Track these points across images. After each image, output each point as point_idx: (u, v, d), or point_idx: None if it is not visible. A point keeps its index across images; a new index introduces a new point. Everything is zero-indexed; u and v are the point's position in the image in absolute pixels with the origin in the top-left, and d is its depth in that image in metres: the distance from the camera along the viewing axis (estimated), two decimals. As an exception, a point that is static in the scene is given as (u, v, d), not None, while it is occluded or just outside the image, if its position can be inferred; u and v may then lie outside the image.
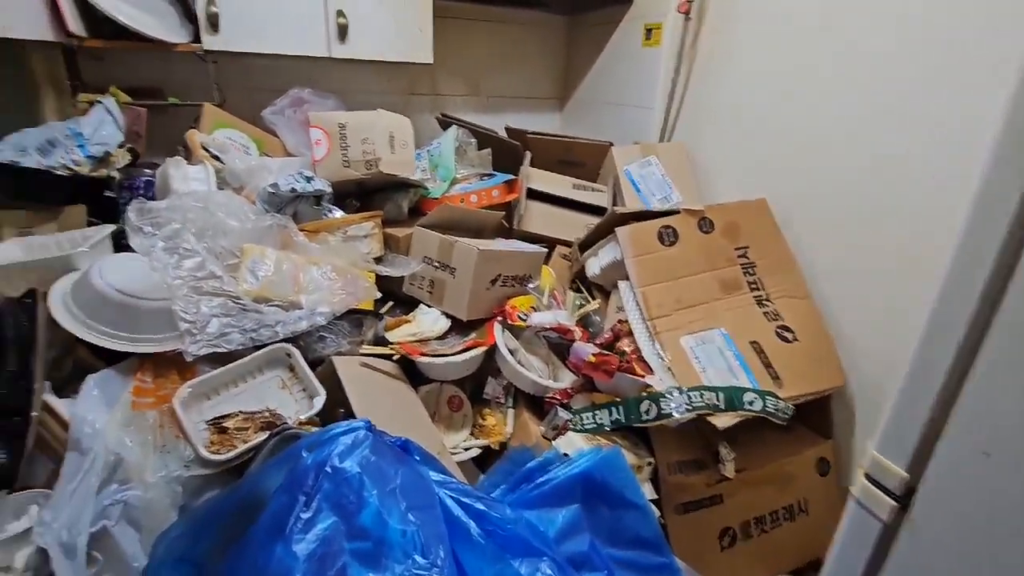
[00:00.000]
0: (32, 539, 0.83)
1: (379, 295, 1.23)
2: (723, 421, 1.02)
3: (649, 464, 1.10)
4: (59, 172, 1.22)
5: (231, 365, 1.08)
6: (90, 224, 1.26)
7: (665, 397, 1.03)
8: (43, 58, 1.59)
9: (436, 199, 1.56)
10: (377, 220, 1.35)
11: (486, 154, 1.77)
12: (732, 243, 1.30)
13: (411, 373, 1.28)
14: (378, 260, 1.30)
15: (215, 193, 1.17)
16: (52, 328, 0.99)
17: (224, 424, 1.03)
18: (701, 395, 1.04)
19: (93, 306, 1.00)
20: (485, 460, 1.26)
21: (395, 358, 1.23)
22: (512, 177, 1.70)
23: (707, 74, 1.65)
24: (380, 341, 1.27)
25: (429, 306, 1.36)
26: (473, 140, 1.85)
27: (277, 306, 1.04)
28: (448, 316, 1.34)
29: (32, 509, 0.90)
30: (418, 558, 0.74)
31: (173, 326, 1.03)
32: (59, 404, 0.96)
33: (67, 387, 1.04)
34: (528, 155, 1.71)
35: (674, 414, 1.01)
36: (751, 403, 1.04)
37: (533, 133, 1.91)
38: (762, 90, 1.48)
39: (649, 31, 1.81)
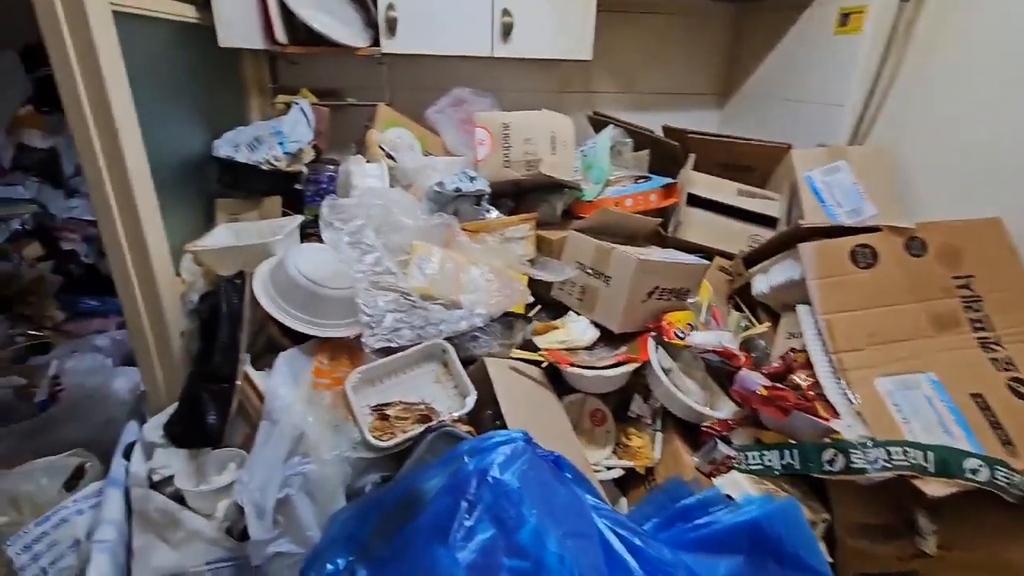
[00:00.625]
0: (231, 494, 0.94)
1: (532, 299, 1.22)
2: (935, 488, 0.85)
3: (824, 521, 0.96)
4: (263, 167, 1.38)
5: (394, 356, 1.14)
6: (283, 214, 1.41)
7: (856, 449, 0.89)
8: (252, 64, 1.82)
9: (590, 202, 1.52)
10: (533, 222, 1.34)
11: (643, 155, 1.69)
12: (950, 270, 1.09)
13: (552, 380, 1.26)
14: (530, 263, 1.29)
15: (391, 191, 1.24)
16: (253, 306, 1.12)
17: (386, 411, 1.09)
18: (904, 452, 0.88)
19: (286, 290, 1.10)
20: (625, 483, 1.20)
21: (543, 365, 1.22)
22: (670, 181, 1.60)
23: (924, 65, 1.40)
24: (527, 345, 1.26)
25: (578, 313, 1.32)
26: (629, 140, 1.77)
27: (440, 304, 1.07)
28: (598, 326, 1.29)
29: (231, 465, 1.03)
30: (574, 588, 0.71)
31: (350, 314, 1.11)
32: (255, 375, 1.08)
33: (258, 360, 1.18)
34: (692, 157, 1.59)
35: (868, 470, 0.87)
36: (974, 472, 0.86)
37: (694, 133, 1.78)
38: (1000, 85, 1.22)
39: (846, 16, 1.58)
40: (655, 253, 1.29)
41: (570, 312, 1.33)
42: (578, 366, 1.18)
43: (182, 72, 1.32)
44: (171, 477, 1.00)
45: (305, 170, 1.51)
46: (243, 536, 0.92)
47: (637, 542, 0.79)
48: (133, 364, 1.74)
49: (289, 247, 1.21)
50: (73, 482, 1.17)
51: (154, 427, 1.09)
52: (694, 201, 1.57)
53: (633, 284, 1.20)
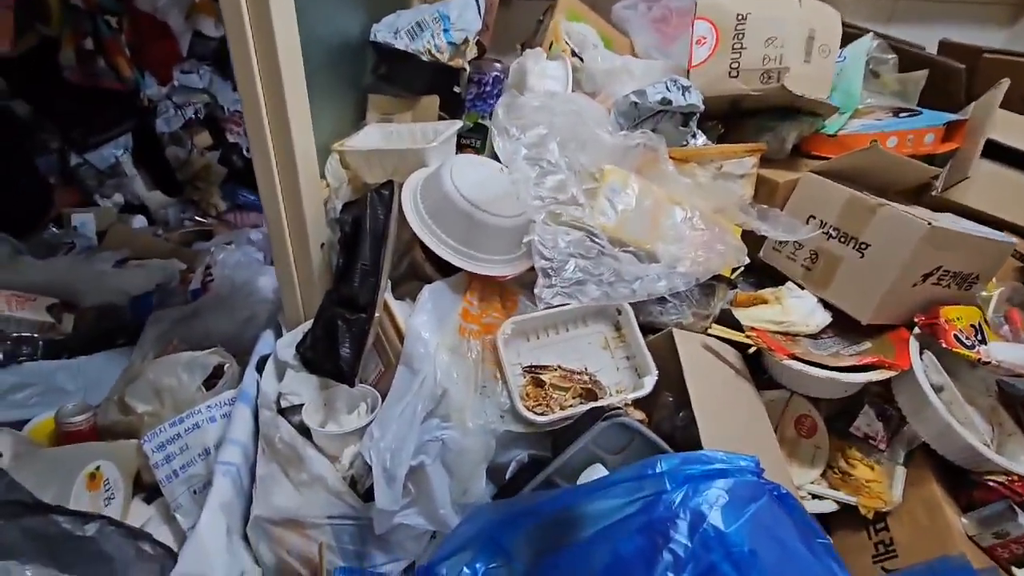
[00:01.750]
0: (360, 446, 0.80)
1: (748, 260, 0.90)
2: None
3: None
4: (423, 57, 1.16)
5: (556, 309, 0.90)
6: (439, 119, 1.19)
7: None
8: (419, -61, 1.56)
9: (832, 136, 1.11)
10: (758, 156, 0.99)
11: (916, 78, 1.21)
12: None
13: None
14: (751, 211, 0.95)
15: (579, 96, 0.95)
16: (401, 224, 0.93)
17: (541, 376, 0.87)
18: None
19: (439, 210, 0.90)
20: (830, 519, 0.90)
21: (751, 350, 0.91)
22: (955, 118, 1.12)
23: None
24: (725, 318, 0.96)
25: (801, 287, 0.98)
26: (890, 57, 1.29)
27: (630, 252, 0.80)
28: (829, 307, 0.95)
29: (362, 406, 0.89)
30: None
31: (512, 247, 0.89)
32: (396, 307, 0.91)
33: (398, 287, 1.02)
34: (1003, 85, 1.09)
35: None
36: None
37: (994, 52, 1.25)
38: None
39: None
40: (943, 219, 0.88)
41: (788, 283, 0.99)
42: (801, 360, 0.87)
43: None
44: (300, 406, 0.88)
45: (467, 67, 1.27)
46: (368, 495, 0.78)
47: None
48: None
49: (446, 157, 0.99)
50: (212, 381, 1.12)
51: (287, 345, 0.98)
52: (992, 151, 1.09)
53: (911, 259, 0.83)
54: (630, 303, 0.89)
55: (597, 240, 0.75)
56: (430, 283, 0.95)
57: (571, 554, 0.59)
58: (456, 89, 1.30)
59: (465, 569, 0.64)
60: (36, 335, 1.27)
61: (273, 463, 0.86)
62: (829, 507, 0.89)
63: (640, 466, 0.62)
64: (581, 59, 1.14)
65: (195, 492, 0.92)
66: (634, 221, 0.83)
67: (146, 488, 0.97)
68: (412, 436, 0.75)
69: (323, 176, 1.07)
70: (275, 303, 1.51)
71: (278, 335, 1.09)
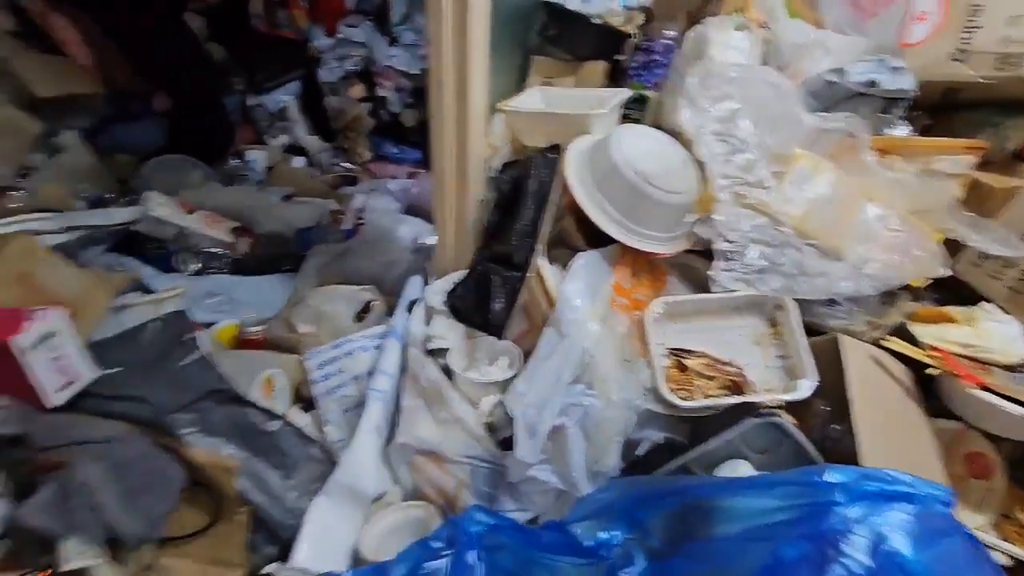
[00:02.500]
0: (504, 397, 0.84)
1: (948, 272, 0.80)
2: None
3: None
4: (594, 20, 1.13)
5: (711, 296, 0.87)
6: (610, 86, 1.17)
7: None
8: None
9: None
10: (977, 156, 0.86)
11: None
12: None
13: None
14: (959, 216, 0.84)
15: (770, 71, 0.88)
16: (560, 189, 0.94)
17: (685, 361, 0.85)
18: None
19: (604, 179, 0.89)
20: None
21: (929, 371, 0.82)
22: None
23: None
24: (901, 332, 0.87)
25: (1004, 310, 0.85)
26: None
27: (812, 246, 0.74)
28: (1037, 337, 0.82)
29: (503, 360, 0.93)
30: None
31: (675, 225, 0.86)
32: (547, 270, 0.92)
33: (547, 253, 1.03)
34: None
35: None
36: None
37: None
38: None
39: None
40: None
41: (985, 304, 0.87)
42: (995, 392, 0.76)
43: None
44: (445, 351, 0.94)
45: (636, 35, 1.22)
46: (505, 444, 0.82)
47: None
48: (414, 215, 1.84)
49: (610, 126, 0.97)
50: (362, 315, 1.23)
51: (437, 291, 1.04)
52: None
53: None
54: (795, 299, 0.84)
55: (782, 228, 0.70)
56: (576, 251, 0.96)
57: (719, 546, 0.59)
58: (618, 57, 1.27)
59: (601, 534, 0.66)
60: (222, 252, 1.45)
61: (418, 398, 0.93)
62: (1002, 562, 0.79)
63: (804, 472, 0.59)
64: (768, 30, 1.05)
65: (345, 411, 1.02)
66: (822, 213, 0.77)
67: (303, 400, 1.10)
68: (556, 397, 0.77)
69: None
70: (413, 251, 1.61)
71: (425, 281, 1.16)
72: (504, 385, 0.89)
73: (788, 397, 0.80)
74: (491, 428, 0.86)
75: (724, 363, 0.86)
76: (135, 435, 0.71)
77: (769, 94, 0.79)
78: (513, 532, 0.70)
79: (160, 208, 1.41)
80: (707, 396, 0.81)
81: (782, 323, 0.87)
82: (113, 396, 0.74)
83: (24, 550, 0.62)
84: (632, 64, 1.23)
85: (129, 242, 1.36)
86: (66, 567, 0.60)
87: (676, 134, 0.94)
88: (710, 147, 0.73)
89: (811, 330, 0.86)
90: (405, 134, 2.63)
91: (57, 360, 0.69)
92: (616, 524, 0.66)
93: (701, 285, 0.94)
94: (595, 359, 0.79)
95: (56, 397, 0.69)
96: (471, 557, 0.67)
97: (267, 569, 0.72)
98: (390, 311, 1.26)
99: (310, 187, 2.07)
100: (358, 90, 2.61)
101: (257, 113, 2.42)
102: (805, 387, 0.80)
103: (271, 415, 0.82)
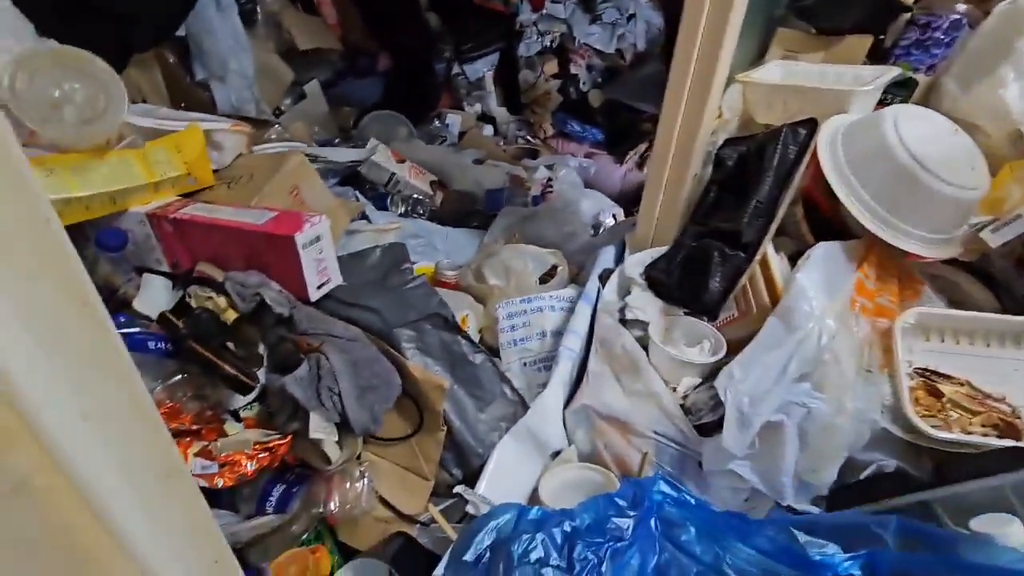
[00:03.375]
0: (703, 375, 0.79)
1: None
2: None
3: None
4: (868, -11, 0.99)
5: (988, 315, 0.72)
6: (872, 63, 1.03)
7: None
8: None
9: None
10: None
11: None
12: None
13: None
14: None
15: None
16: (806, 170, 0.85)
17: (939, 386, 0.72)
18: None
19: (866, 161, 0.78)
20: None
21: None
22: None
23: None
24: None
25: None
26: None
27: None
28: None
29: (704, 344, 0.87)
30: None
31: (947, 227, 0.73)
32: (774, 258, 0.84)
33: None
34: None
35: None
36: None
37: None
38: None
39: None
40: None
41: None
42: None
43: None
44: (642, 323, 0.91)
45: (912, 8, 1.05)
46: (700, 429, 0.77)
47: None
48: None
49: (869, 107, 0.85)
50: (546, 277, 1.24)
51: (636, 263, 1.01)
52: None
53: None
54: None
55: None
56: (800, 243, 0.86)
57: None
58: (880, 36, 1.11)
59: (838, 556, 0.58)
60: (425, 199, 1.57)
61: (605, 365, 0.91)
62: None
63: None
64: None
65: (524, 364, 1.05)
66: None
67: (485, 346, 1.15)
68: (777, 391, 0.70)
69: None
70: (591, 224, 1.60)
71: (619, 253, 1.14)
72: (703, 369, 0.83)
73: (1087, 455, 0.64)
74: (686, 411, 0.82)
75: (995, 399, 0.71)
76: (367, 339, 0.78)
77: None
78: (701, 511, 0.66)
79: (380, 155, 1.56)
80: (966, 431, 0.68)
81: (1084, 365, 0.70)
82: (352, 303, 0.83)
83: (278, 414, 0.73)
84: (903, 42, 1.06)
85: (352, 179, 1.53)
86: (312, 436, 0.69)
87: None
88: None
89: None
90: (591, 114, 2.61)
91: (319, 261, 0.79)
92: (839, 550, 0.58)
93: (961, 306, 0.80)
94: (831, 359, 0.70)
95: (314, 293, 0.79)
96: (653, 523, 0.64)
97: (457, 489, 0.76)
98: (572, 279, 1.27)
99: (495, 154, 2.16)
100: (552, 66, 2.65)
101: (458, 81, 2.57)
102: (1115, 448, 0.63)
103: (477, 348, 0.86)
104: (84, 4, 1.06)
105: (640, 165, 2.18)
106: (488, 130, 2.50)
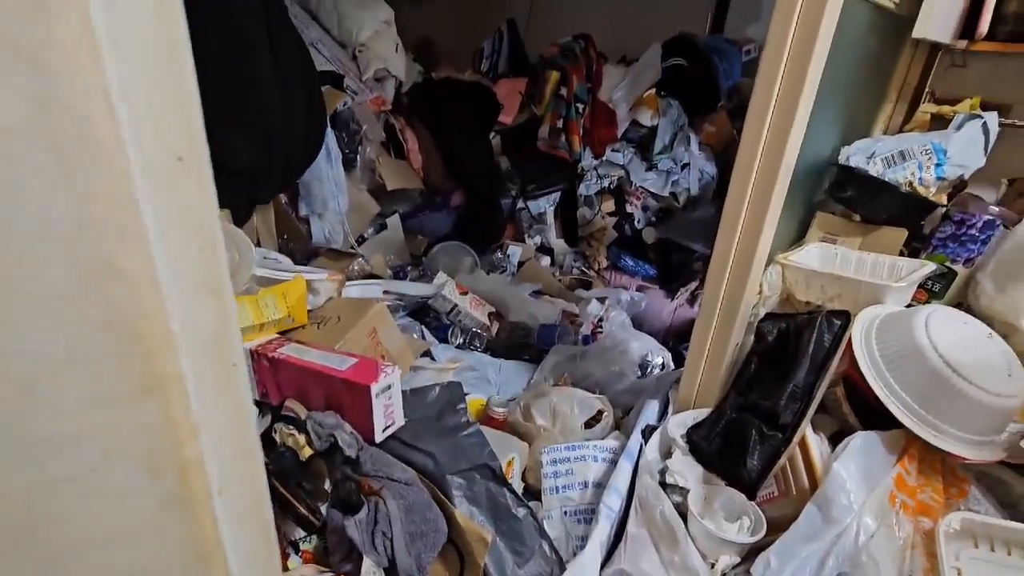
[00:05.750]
0: (742, 554, 0.80)
1: None
2: None
3: None
4: (901, 188, 1.09)
5: (1039, 528, 0.71)
6: (906, 255, 1.11)
7: None
8: (906, 64, 1.50)
9: None
10: None
11: None
12: None
13: None
14: None
15: None
16: (842, 357, 0.90)
17: (991, 601, 0.70)
18: None
19: (901, 359, 0.83)
20: None
21: None
22: None
23: None
24: None
25: None
26: None
27: None
28: None
29: (744, 521, 0.88)
30: None
31: (986, 430, 0.75)
32: (813, 441, 0.87)
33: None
34: None
35: None
36: None
37: None
38: None
39: None
40: None
41: None
42: None
43: (856, 65, 1.15)
44: (681, 488, 0.94)
45: (946, 204, 1.14)
46: (738, 615, 0.77)
47: None
48: (638, 326, 1.91)
49: (927, 305, 0.91)
50: (592, 422, 1.29)
51: (678, 424, 1.05)
52: None
53: None
54: None
55: None
56: (842, 423, 0.89)
57: None
58: (921, 224, 1.19)
59: None
60: (482, 332, 1.69)
61: (644, 528, 0.93)
62: None
63: None
64: None
65: (565, 512, 1.07)
66: None
67: (527, 486, 1.18)
68: (812, 569, 0.70)
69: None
70: (638, 364, 1.66)
71: (663, 407, 1.19)
72: (742, 548, 0.84)
73: None
74: (724, 589, 0.81)
75: (1051, 624, 0.68)
76: (421, 484, 0.86)
77: None
78: None
79: (447, 289, 1.72)
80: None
81: None
82: (411, 445, 0.91)
83: (334, 552, 0.79)
84: (939, 234, 1.14)
85: (420, 309, 1.69)
86: (362, 579, 0.75)
87: (990, 322, 0.83)
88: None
89: None
90: (644, 249, 2.77)
91: (388, 406, 0.89)
92: None
93: (1013, 509, 0.79)
94: (869, 562, 0.70)
95: (380, 435, 0.89)
96: None
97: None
98: (616, 425, 1.31)
99: (550, 284, 2.31)
100: (608, 204, 2.87)
101: (521, 215, 2.83)
102: None
103: (521, 502, 0.91)
104: (219, 166, 1.32)
105: (691, 302, 2.26)
106: (546, 261, 2.68)
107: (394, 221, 2.20)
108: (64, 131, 0.28)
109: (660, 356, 1.74)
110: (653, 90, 2.78)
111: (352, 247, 1.91)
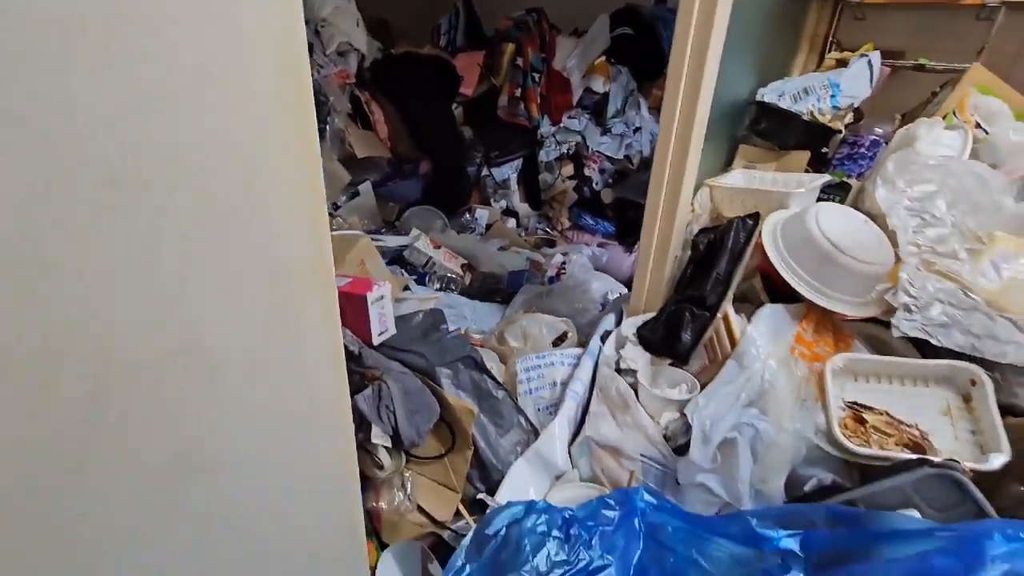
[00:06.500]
0: (681, 410, 0.99)
1: None
2: None
3: None
4: (804, 117, 1.30)
5: (900, 360, 0.93)
6: (809, 172, 1.31)
7: None
8: (816, 15, 1.71)
9: None
10: None
11: None
12: None
13: None
14: None
15: (978, 164, 0.96)
16: (754, 252, 1.10)
17: (864, 415, 0.91)
18: None
19: (798, 245, 1.03)
20: None
21: None
22: None
23: None
24: None
25: None
26: None
27: (1009, 320, 0.79)
28: None
29: (683, 386, 1.08)
30: None
31: (863, 291, 0.96)
32: (733, 316, 1.07)
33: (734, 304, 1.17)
34: None
35: None
36: None
37: None
38: None
39: None
40: None
41: None
42: None
43: (764, 19, 1.34)
44: (632, 371, 1.12)
45: (843, 131, 1.35)
46: (677, 451, 0.96)
47: None
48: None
49: (812, 203, 1.11)
50: (558, 341, 1.48)
51: (630, 325, 1.24)
52: None
53: None
54: (994, 377, 0.86)
55: (971, 296, 0.77)
56: (759, 308, 1.09)
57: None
58: (824, 149, 1.40)
59: (768, 531, 0.76)
60: (456, 278, 1.85)
61: (603, 405, 1.12)
62: None
63: (971, 530, 0.63)
64: (986, 131, 1.11)
65: (538, 409, 1.25)
66: (1019, 291, 0.81)
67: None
68: (731, 414, 0.90)
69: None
70: (600, 301, 1.85)
71: (618, 318, 1.38)
72: (681, 404, 1.04)
73: (976, 466, 0.81)
74: (666, 439, 1.01)
75: (905, 424, 0.90)
76: (414, 376, 1.02)
77: (972, 182, 0.87)
78: (676, 513, 0.84)
79: (421, 242, 1.87)
80: (882, 447, 0.86)
81: (976, 398, 0.88)
82: (401, 349, 1.07)
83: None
84: (838, 155, 1.35)
85: (397, 261, 1.84)
86: (372, 441, 0.91)
87: (873, 216, 1.04)
88: (902, 219, 0.84)
89: (1009, 410, 0.86)
90: (602, 209, 2.96)
91: (382, 315, 1.05)
92: (783, 530, 0.76)
93: (886, 355, 1.00)
94: (772, 390, 0.90)
95: (376, 339, 1.04)
96: (636, 522, 0.83)
97: (480, 496, 0.95)
98: (579, 344, 1.50)
99: (517, 243, 2.48)
100: (568, 169, 3.04)
101: (486, 181, 2.98)
102: (996, 461, 0.81)
103: (499, 385, 1.08)
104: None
105: (646, 253, 2.46)
106: (511, 223, 2.85)
107: (366, 188, 2.32)
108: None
109: (619, 293, 1.94)
110: (604, 58, 2.96)
111: (329, 213, 2.03)
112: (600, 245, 2.72)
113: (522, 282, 1.88)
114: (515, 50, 2.85)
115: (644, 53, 3.02)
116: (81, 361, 0.41)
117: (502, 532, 0.80)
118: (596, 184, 3.01)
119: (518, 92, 2.85)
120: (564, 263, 1.97)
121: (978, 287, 0.78)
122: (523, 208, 2.99)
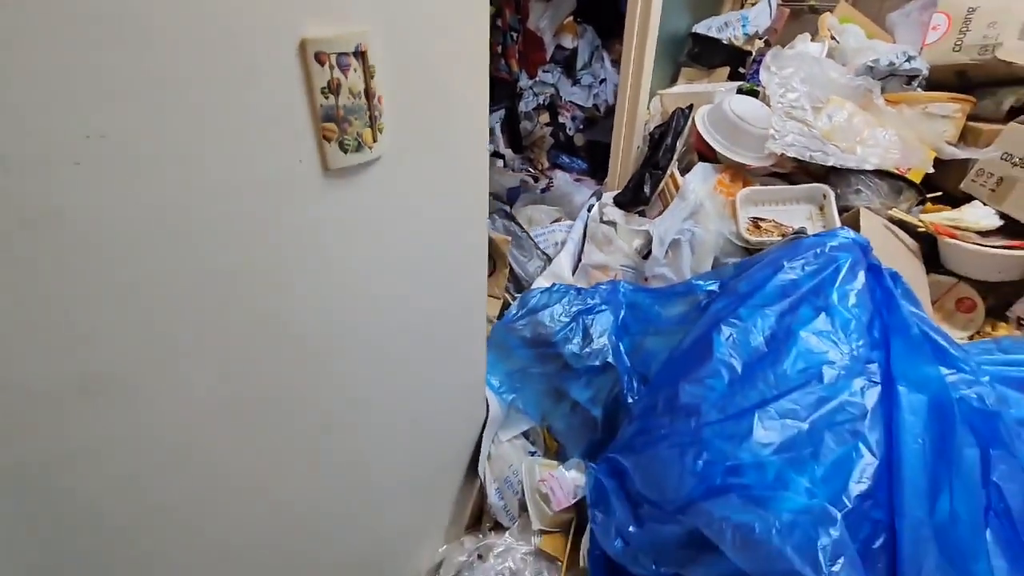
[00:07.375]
0: (649, 229, 1.50)
1: (932, 169, 1.30)
2: None
3: None
4: (724, 42, 1.80)
5: (780, 187, 1.45)
6: (728, 81, 1.82)
7: None
8: (737, -28, 2.21)
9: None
10: (965, 106, 1.36)
11: None
12: None
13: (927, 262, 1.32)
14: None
15: (826, 58, 1.48)
16: (690, 131, 1.61)
17: (760, 223, 1.44)
18: None
19: (717, 121, 1.54)
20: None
21: (920, 229, 1.31)
22: None
23: None
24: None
25: (984, 204, 1.31)
26: None
27: (835, 146, 1.31)
28: (1005, 218, 1.27)
29: (648, 224, 1.59)
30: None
31: (759, 149, 1.48)
32: (677, 173, 1.58)
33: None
34: None
35: None
36: None
37: None
38: None
39: None
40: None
41: (974, 201, 1.33)
42: (958, 238, 1.24)
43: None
44: (612, 222, 1.63)
45: (753, 52, 1.87)
46: (644, 259, 1.48)
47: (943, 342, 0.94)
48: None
49: (726, 94, 1.63)
50: (554, 224, 1.97)
51: (608, 196, 1.74)
52: None
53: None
54: (835, 192, 1.39)
55: (813, 131, 1.29)
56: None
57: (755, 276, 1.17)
58: (741, 70, 1.92)
59: (701, 282, 1.27)
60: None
61: (592, 244, 1.62)
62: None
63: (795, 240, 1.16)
64: (837, 42, 1.63)
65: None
66: (844, 130, 1.33)
67: (519, 261, 1.85)
68: (676, 225, 1.41)
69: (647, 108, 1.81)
70: (585, 201, 2.33)
71: (598, 198, 1.88)
72: (645, 234, 1.54)
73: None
74: (637, 253, 1.52)
75: (786, 225, 1.42)
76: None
77: (816, 68, 1.39)
78: (644, 290, 1.35)
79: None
80: (770, 236, 1.39)
81: (826, 206, 1.42)
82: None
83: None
84: (751, 72, 1.87)
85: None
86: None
87: (765, 100, 1.56)
88: (774, 91, 1.35)
89: (846, 210, 1.40)
90: (575, 151, 3.46)
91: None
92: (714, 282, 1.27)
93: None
94: (703, 209, 1.42)
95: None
96: (620, 297, 1.33)
97: (515, 295, 1.44)
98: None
99: (504, 176, 2.95)
100: (544, 117, 3.52)
101: (475, 129, 3.42)
102: (832, 233, 1.34)
103: (522, 229, 1.57)
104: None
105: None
106: (499, 164, 3.31)
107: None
108: None
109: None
110: (571, 18, 3.41)
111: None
112: (575, 180, 3.21)
113: (519, 194, 2.36)
114: (495, 12, 3.27)
115: (607, 12, 3.48)
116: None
117: (535, 296, 1.30)
118: (569, 129, 3.50)
119: (499, 50, 3.29)
120: (551, 180, 2.46)
121: (817, 127, 1.30)
122: (508, 153, 3.46)
